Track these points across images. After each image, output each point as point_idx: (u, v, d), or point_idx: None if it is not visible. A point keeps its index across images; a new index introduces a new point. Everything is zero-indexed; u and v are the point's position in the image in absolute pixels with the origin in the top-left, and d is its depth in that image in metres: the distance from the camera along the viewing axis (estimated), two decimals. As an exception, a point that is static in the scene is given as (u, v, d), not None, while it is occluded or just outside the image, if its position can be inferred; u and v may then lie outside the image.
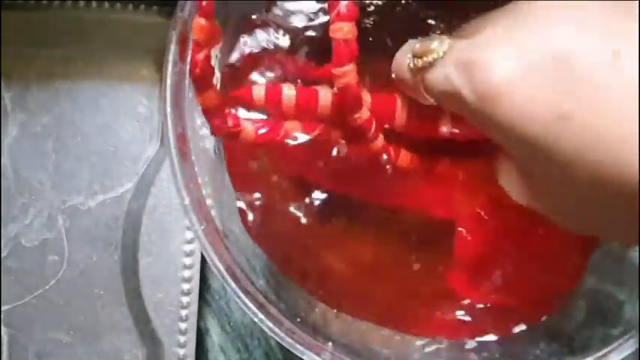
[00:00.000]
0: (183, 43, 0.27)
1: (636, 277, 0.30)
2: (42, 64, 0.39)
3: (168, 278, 0.38)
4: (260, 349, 0.39)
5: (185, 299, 0.38)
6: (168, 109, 0.28)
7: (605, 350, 0.28)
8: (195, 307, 0.38)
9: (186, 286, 0.38)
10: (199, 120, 0.29)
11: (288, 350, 0.28)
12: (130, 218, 0.39)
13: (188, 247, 0.38)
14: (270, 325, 0.28)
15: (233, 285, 0.28)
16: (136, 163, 0.39)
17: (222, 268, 0.28)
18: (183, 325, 0.38)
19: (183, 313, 0.38)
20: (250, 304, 0.28)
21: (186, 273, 0.38)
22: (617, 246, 0.31)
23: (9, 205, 0.38)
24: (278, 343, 0.29)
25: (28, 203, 0.39)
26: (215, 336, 0.39)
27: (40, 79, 0.39)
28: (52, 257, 0.38)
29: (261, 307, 0.28)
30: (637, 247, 0.31)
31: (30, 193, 0.39)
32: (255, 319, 0.28)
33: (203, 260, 0.38)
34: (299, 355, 0.28)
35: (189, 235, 0.38)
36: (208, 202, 0.29)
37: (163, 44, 0.28)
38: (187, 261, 0.38)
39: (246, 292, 0.28)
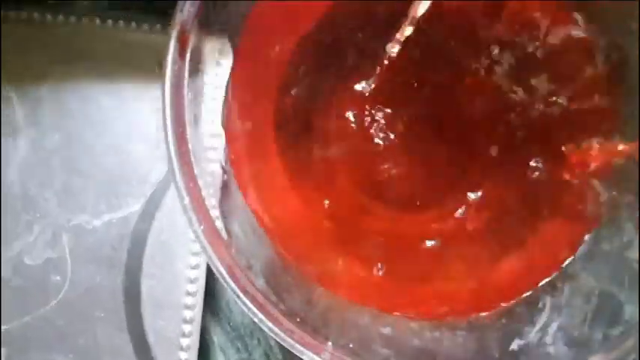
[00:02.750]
0: (183, 42, 0.28)
1: (636, 277, 0.30)
2: (54, 80, 0.39)
3: (171, 304, 0.38)
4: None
5: (187, 327, 0.38)
6: (168, 110, 0.28)
7: (605, 350, 0.28)
8: (197, 336, 0.37)
9: (188, 314, 0.38)
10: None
11: (288, 350, 0.28)
12: (135, 240, 0.38)
13: (192, 274, 0.38)
14: (270, 325, 0.28)
15: (233, 285, 0.28)
16: (144, 184, 0.39)
17: (222, 269, 0.28)
18: (184, 356, 0.38)
19: (184, 342, 0.38)
20: (250, 304, 0.28)
21: (189, 300, 0.38)
22: (616, 246, 0.31)
23: (14, 222, 0.38)
24: (278, 343, 0.29)
25: (32, 220, 0.38)
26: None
27: (52, 95, 0.39)
28: (55, 277, 0.38)
29: (261, 307, 0.28)
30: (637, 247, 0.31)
31: (35, 210, 0.38)
32: (255, 319, 0.28)
33: (207, 282, 0.38)
34: (299, 355, 0.28)
35: (194, 260, 0.38)
36: (208, 202, 0.29)
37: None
38: (191, 288, 0.38)
39: (246, 292, 0.28)
